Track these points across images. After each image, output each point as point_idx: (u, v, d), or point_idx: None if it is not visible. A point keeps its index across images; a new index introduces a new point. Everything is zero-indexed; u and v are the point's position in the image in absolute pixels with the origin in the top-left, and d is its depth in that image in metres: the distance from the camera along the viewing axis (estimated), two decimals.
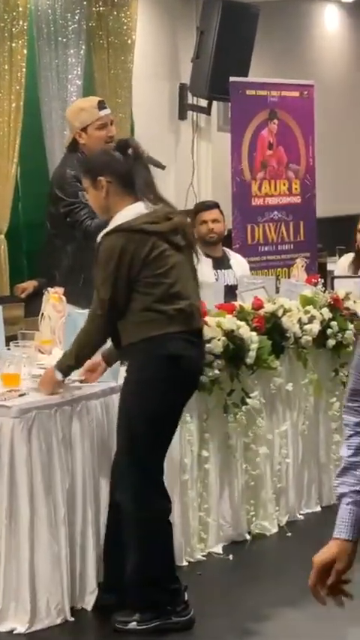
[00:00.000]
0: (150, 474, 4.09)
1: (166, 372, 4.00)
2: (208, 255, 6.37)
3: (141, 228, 3.98)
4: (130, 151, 4.10)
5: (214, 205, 6.54)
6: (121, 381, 4.27)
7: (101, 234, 4.09)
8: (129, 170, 4.07)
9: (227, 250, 6.60)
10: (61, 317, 4.82)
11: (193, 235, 4.29)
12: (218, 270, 6.34)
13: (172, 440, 4.28)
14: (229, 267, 6.43)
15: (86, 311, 4.29)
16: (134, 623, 4.13)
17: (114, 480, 4.23)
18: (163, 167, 5.23)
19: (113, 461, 4.24)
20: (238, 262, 6.58)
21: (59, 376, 4.16)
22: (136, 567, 4.10)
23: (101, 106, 5.29)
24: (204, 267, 6.27)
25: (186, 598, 4.17)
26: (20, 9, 7.33)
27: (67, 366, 4.15)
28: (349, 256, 6.84)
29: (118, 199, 4.08)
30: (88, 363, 4.24)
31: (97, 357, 4.26)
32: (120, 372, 4.36)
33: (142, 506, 4.06)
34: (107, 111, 5.32)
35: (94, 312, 4.05)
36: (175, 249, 4.07)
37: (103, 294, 4.00)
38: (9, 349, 4.54)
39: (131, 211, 4.04)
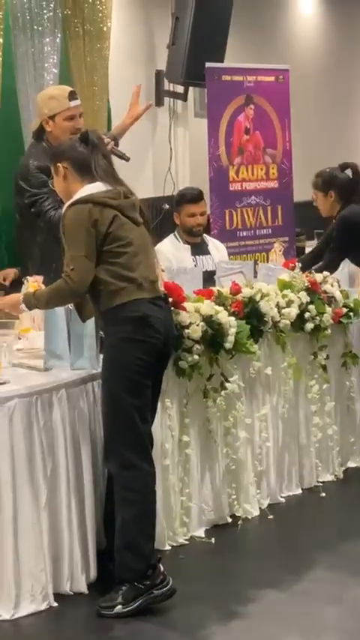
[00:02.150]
0: (133, 438, 4.18)
1: (137, 331, 4.17)
2: (187, 242, 6.42)
3: (102, 201, 4.20)
4: (90, 141, 4.30)
5: (201, 196, 6.49)
6: (100, 368, 4.34)
7: (64, 206, 4.25)
8: (87, 158, 4.29)
9: (206, 236, 6.62)
10: None
11: (148, 215, 4.47)
12: (197, 257, 6.38)
13: (154, 422, 4.36)
14: (207, 252, 6.47)
15: None
16: (119, 606, 4.18)
17: (104, 451, 4.34)
18: (127, 159, 5.33)
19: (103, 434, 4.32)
20: (217, 248, 6.61)
21: (23, 307, 4.39)
22: (117, 531, 4.21)
23: (72, 96, 5.31)
24: (183, 254, 6.34)
25: (162, 569, 4.24)
26: None
27: (34, 305, 4.36)
28: None
29: (77, 183, 4.30)
30: (10, 299, 4.52)
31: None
32: (100, 359, 4.40)
33: (124, 468, 4.18)
34: (77, 102, 5.34)
35: (67, 267, 4.18)
36: (134, 223, 4.29)
37: (75, 252, 4.16)
38: None
39: (92, 188, 4.25)
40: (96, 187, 4.24)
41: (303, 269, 5.79)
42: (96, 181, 4.25)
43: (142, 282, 4.21)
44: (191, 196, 6.44)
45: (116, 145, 5.45)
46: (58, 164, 4.33)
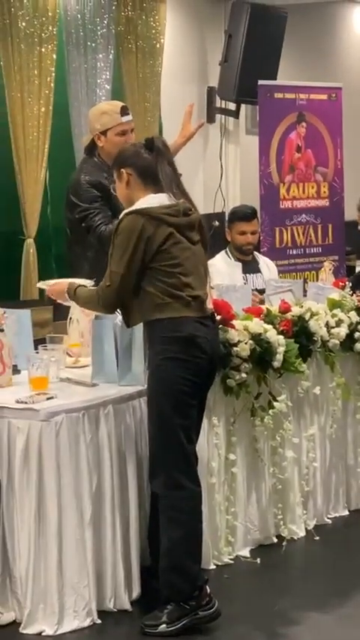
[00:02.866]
0: (180, 458, 4.15)
1: (183, 351, 4.12)
2: (238, 259, 6.39)
3: (160, 217, 4.13)
4: (155, 147, 4.22)
5: (254, 215, 6.43)
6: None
7: (122, 213, 4.20)
8: (151, 164, 4.21)
9: (257, 254, 6.59)
10: (89, 320, 4.85)
11: (207, 233, 4.39)
12: (247, 275, 6.34)
13: (199, 440, 4.33)
14: (258, 271, 6.43)
15: (111, 315, 4.43)
16: (163, 625, 4.15)
17: (149, 471, 4.29)
18: (179, 175, 5.29)
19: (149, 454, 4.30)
20: (268, 266, 6.57)
21: (67, 296, 4.44)
22: (163, 552, 4.18)
23: (124, 112, 5.30)
24: (234, 271, 6.30)
25: (209, 591, 4.21)
26: (50, 14, 7.38)
27: (73, 299, 4.42)
28: None
29: (140, 191, 4.22)
30: (59, 285, 4.57)
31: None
32: (146, 376, 4.38)
33: (172, 488, 4.15)
34: (129, 117, 5.33)
35: (103, 283, 4.19)
36: (189, 242, 4.22)
37: (115, 268, 4.14)
38: (37, 352, 4.57)
39: (154, 199, 4.18)
40: (159, 199, 4.17)
41: (353, 288, 5.75)
42: (161, 192, 4.18)
43: (189, 300, 4.16)
44: (243, 214, 6.42)
45: None
46: (122, 170, 4.25)
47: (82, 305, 4.42)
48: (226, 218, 6.59)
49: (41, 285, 4.74)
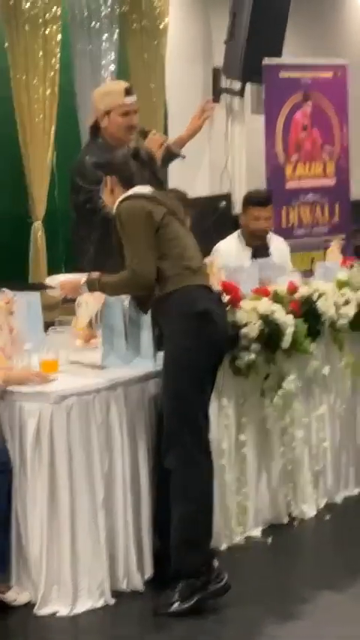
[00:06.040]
0: (196, 434, 4.21)
1: (202, 327, 4.20)
2: (248, 244, 6.25)
3: (154, 198, 4.32)
4: (139, 158, 4.46)
5: (269, 200, 6.26)
6: (157, 367, 4.36)
7: (117, 202, 4.34)
8: (132, 175, 4.42)
9: (271, 235, 6.41)
10: (98, 303, 4.85)
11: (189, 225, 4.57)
12: (257, 260, 6.23)
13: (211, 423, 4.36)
14: (267, 255, 6.31)
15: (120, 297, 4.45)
16: (176, 603, 4.19)
17: (163, 447, 4.31)
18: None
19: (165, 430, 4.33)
20: (278, 248, 6.41)
21: (84, 290, 4.45)
22: (175, 526, 4.22)
23: (128, 92, 5.27)
24: (242, 256, 6.18)
25: (217, 564, 4.27)
26: None
27: (98, 291, 4.44)
28: None
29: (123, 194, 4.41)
30: (71, 281, 4.53)
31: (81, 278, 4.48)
32: (158, 358, 4.40)
33: (187, 464, 4.20)
34: (133, 98, 5.30)
35: (130, 261, 4.25)
36: (182, 225, 4.40)
37: (135, 245, 4.25)
38: (48, 335, 4.58)
39: (141, 190, 4.36)
40: (144, 188, 4.35)
41: None
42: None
43: (196, 269, 4.29)
44: (257, 200, 6.22)
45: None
46: (107, 177, 4.47)
47: (112, 292, 4.42)
48: (241, 202, 6.44)
49: (50, 285, 4.69)
